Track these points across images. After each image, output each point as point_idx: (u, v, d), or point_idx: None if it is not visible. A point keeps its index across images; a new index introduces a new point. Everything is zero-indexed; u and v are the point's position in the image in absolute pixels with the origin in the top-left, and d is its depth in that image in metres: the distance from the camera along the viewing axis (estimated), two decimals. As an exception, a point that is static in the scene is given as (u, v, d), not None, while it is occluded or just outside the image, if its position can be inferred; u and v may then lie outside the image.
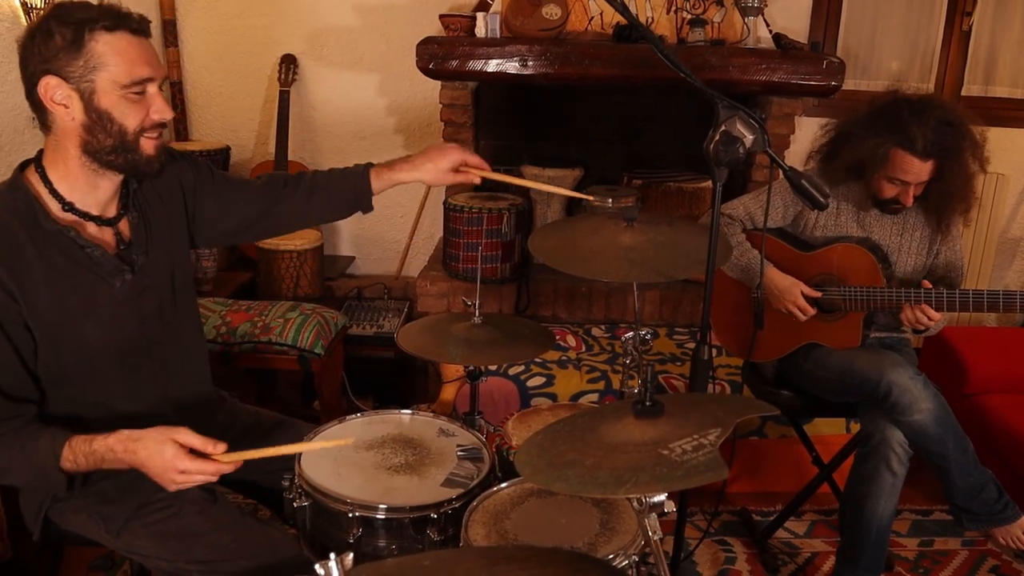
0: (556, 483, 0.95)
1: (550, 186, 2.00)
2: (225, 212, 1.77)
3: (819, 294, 2.26)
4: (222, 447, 1.38)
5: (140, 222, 1.61)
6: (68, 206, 1.49)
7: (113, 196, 1.56)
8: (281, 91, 3.68)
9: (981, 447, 2.53)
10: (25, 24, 2.78)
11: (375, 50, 3.76)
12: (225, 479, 1.80)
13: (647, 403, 1.04)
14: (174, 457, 1.35)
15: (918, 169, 2.11)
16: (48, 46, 1.38)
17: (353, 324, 3.34)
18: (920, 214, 2.31)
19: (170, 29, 3.65)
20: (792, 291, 2.26)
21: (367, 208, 1.80)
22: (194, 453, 1.37)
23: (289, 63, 3.70)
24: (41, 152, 1.50)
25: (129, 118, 1.43)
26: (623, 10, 1.48)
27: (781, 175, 1.67)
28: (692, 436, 0.96)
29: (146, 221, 1.63)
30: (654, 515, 1.00)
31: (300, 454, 1.65)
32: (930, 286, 2.15)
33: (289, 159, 3.72)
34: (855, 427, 2.69)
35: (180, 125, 3.81)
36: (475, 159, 1.79)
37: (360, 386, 3.30)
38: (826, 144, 2.34)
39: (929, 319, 2.15)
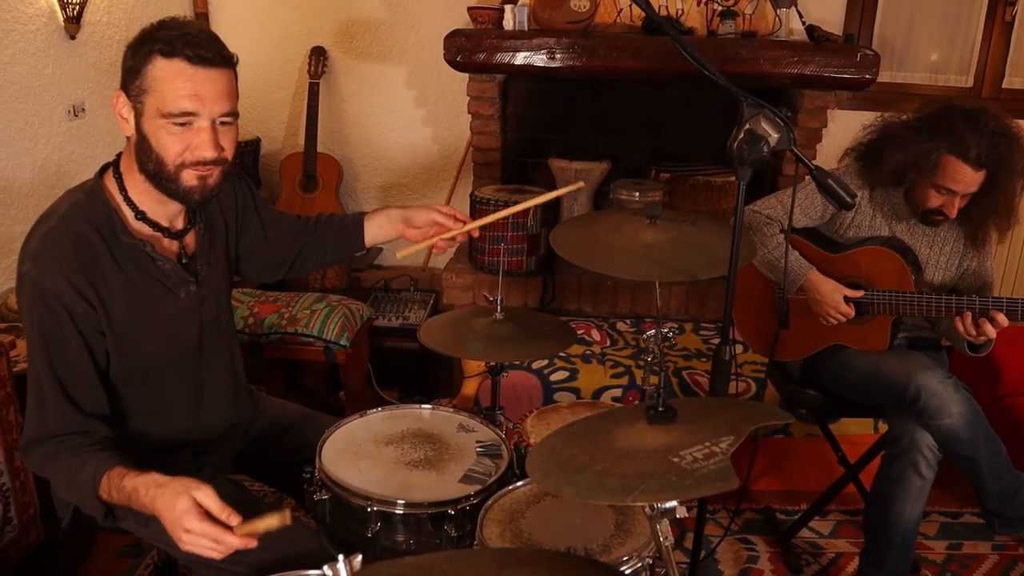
0: (565, 488, 0.95)
1: (527, 203, 1.90)
2: (272, 239, 1.81)
3: (860, 293, 2.19)
4: (236, 519, 1.26)
5: (204, 234, 1.63)
6: (141, 215, 1.49)
7: (180, 211, 1.56)
8: (311, 83, 3.70)
9: (1013, 449, 2.48)
10: (62, 20, 2.83)
11: (404, 42, 3.77)
12: (249, 469, 1.86)
13: (660, 408, 1.03)
14: (184, 514, 1.25)
15: (970, 179, 2.03)
16: (127, 62, 1.40)
17: (379, 316, 3.36)
18: (955, 227, 2.23)
19: (202, 21, 3.69)
20: (834, 296, 2.18)
21: (360, 249, 1.88)
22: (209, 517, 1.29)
23: (319, 55, 3.72)
24: (119, 156, 1.52)
25: (165, 149, 1.39)
26: (645, 5, 1.47)
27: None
28: (704, 443, 0.95)
29: (211, 235, 1.66)
30: (666, 520, 0.99)
31: (322, 446, 1.66)
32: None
33: (318, 151, 3.75)
34: (883, 426, 2.65)
35: (212, 117, 3.84)
36: (448, 213, 1.79)
37: (385, 377, 3.33)
38: (868, 144, 2.24)
39: (995, 326, 2.03)
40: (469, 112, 3.45)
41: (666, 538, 1.00)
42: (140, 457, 1.44)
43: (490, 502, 1.46)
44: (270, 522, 1.25)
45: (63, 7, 2.82)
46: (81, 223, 1.44)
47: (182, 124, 1.37)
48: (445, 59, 3.16)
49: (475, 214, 3.33)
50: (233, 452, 1.78)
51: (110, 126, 3.10)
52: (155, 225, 1.52)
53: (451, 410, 1.85)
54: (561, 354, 2.93)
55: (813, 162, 1.67)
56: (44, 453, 1.44)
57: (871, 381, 2.20)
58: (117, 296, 1.46)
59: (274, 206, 3.78)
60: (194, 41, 1.36)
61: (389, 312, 3.42)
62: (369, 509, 1.52)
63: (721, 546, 2.54)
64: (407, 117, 3.88)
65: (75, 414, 1.43)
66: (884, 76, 3.58)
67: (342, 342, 2.80)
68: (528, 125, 3.72)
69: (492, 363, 1.98)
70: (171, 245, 1.57)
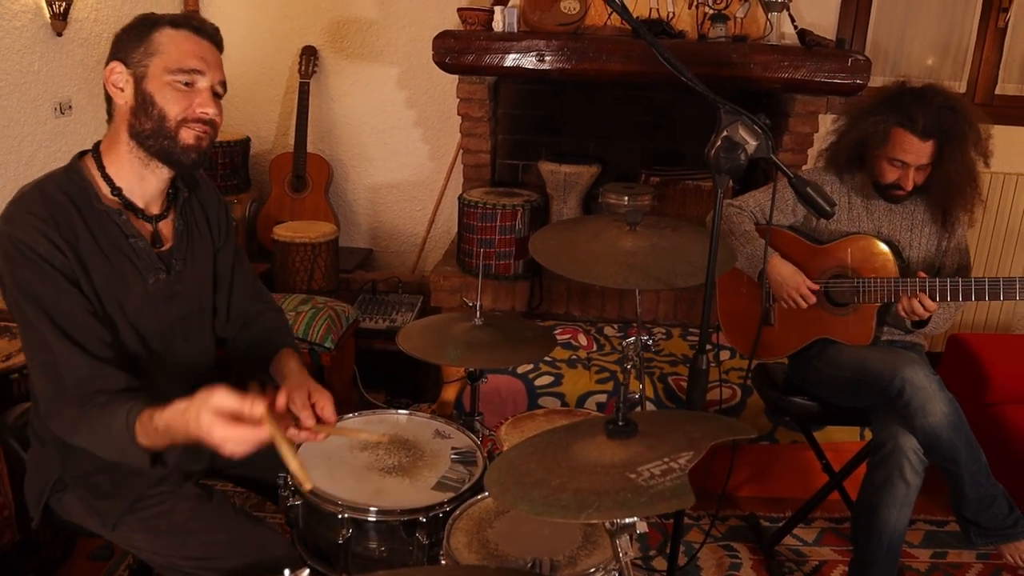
0: (520, 504, 0.93)
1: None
2: (227, 279, 1.77)
3: (817, 287, 2.25)
4: (260, 408, 1.29)
5: (184, 231, 1.63)
6: (116, 191, 1.52)
7: (159, 194, 1.58)
8: (301, 83, 3.68)
9: (1000, 458, 2.47)
10: (48, 16, 2.82)
11: (395, 43, 3.76)
12: (225, 473, 1.84)
13: (620, 423, 1.02)
14: (211, 426, 1.27)
15: (918, 149, 2.12)
16: (123, 39, 1.49)
17: (366, 318, 3.35)
18: (927, 210, 2.29)
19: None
20: (795, 278, 2.25)
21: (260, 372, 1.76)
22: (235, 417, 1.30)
23: (310, 55, 3.70)
24: (99, 143, 1.55)
25: (171, 104, 1.46)
26: (622, 10, 1.45)
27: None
28: (663, 459, 0.93)
29: (190, 233, 1.65)
30: (626, 536, 0.98)
31: (296, 449, 1.65)
32: (924, 275, 2.13)
33: (308, 151, 3.73)
34: (869, 434, 2.64)
35: (202, 115, 3.83)
36: (307, 417, 1.54)
37: (372, 379, 3.31)
38: (834, 138, 2.35)
39: (925, 309, 2.12)
40: (459, 114, 3.43)
41: (626, 553, 0.98)
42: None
43: (458, 512, 1.45)
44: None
45: (49, 4, 2.81)
46: (54, 190, 1.47)
47: (187, 83, 1.47)
48: (434, 60, 3.15)
49: (463, 216, 3.31)
50: (206, 455, 1.75)
51: (97, 123, 3.08)
52: (129, 204, 1.53)
53: (428, 416, 1.84)
54: (547, 358, 2.92)
55: (793, 170, 1.66)
56: (68, 417, 1.41)
57: (857, 376, 2.20)
58: (95, 259, 1.47)
59: (263, 206, 3.78)
60: (197, 18, 1.54)
61: (376, 314, 3.40)
62: (340, 516, 1.50)
63: (704, 553, 2.53)
64: (398, 118, 3.86)
65: (87, 360, 1.41)
66: (877, 81, 3.56)
67: (327, 344, 2.78)
68: (519, 127, 3.71)
69: (471, 369, 1.97)
70: (143, 228, 1.56)
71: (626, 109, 3.63)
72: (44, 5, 2.81)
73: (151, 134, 1.48)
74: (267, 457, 1.73)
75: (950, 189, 2.19)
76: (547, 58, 3.11)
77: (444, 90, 3.71)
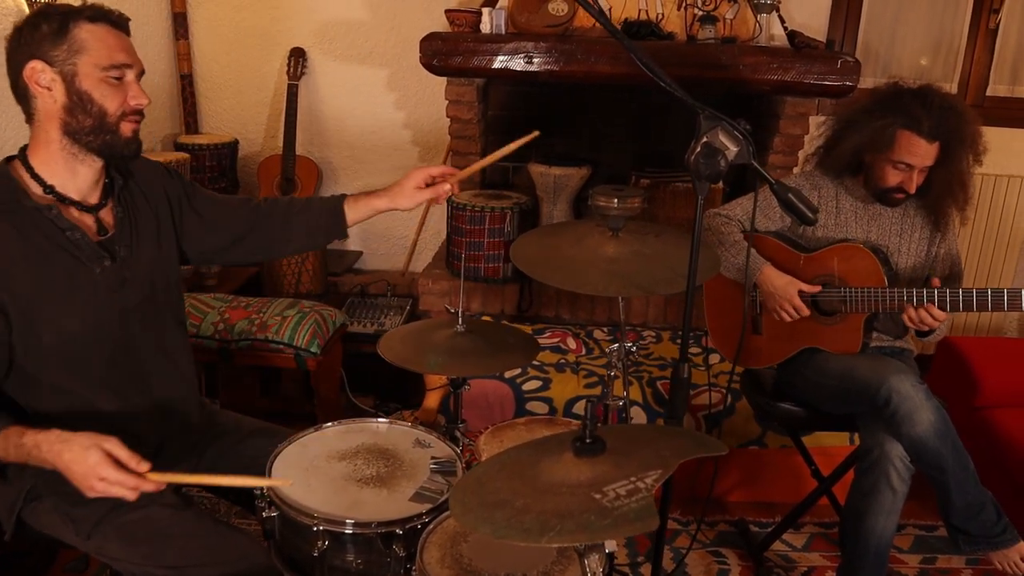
0: (482, 526, 0.91)
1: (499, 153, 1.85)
2: (212, 226, 1.81)
3: (818, 288, 2.22)
4: (146, 466, 1.36)
5: (125, 218, 1.64)
6: (49, 189, 1.53)
7: (94, 184, 1.59)
8: (290, 85, 3.67)
9: (989, 463, 2.46)
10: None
11: (385, 44, 3.74)
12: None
13: (587, 440, 1.00)
14: (97, 464, 1.33)
15: (924, 151, 2.09)
16: (34, 36, 1.47)
17: (354, 322, 3.33)
18: (919, 212, 2.27)
19: (180, 22, 3.65)
20: (788, 289, 2.22)
21: (342, 234, 1.86)
22: (119, 465, 1.36)
23: (298, 57, 3.68)
24: (25, 147, 1.56)
25: (108, 100, 1.50)
26: (598, 14, 1.43)
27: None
28: (630, 478, 0.91)
29: (131, 219, 1.66)
30: (595, 555, 0.96)
31: (272, 461, 1.63)
32: (938, 284, 2.09)
33: (297, 153, 3.71)
34: (859, 438, 2.63)
35: (190, 118, 3.81)
36: (438, 168, 1.79)
37: (362, 384, 3.29)
38: (825, 140, 2.31)
39: (934, 319, 2.09)
40: (448, 116, 3.41)
41: (595, 573, 0.96)
42: None
43: (432, 526, 1.43)
44: (187, 477, 1.41)
45: (30, 4, 2.78)
46: None
47: (118, 77, 1.51)
48: (421, 62, 3.13)
49: (452, 219, 3.29)
50: (183, 463, 1.74)
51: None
52: (65, 199, 1.55)
53: (408, 425, 1.82)
54: (535, 362, 2.90)
55: (776, 178, 1.64)
56: None
57: (844, 385, 2.18)
58: (20, 263, 1.48)
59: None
60: (109, 10, 1.53)
61: (364, 318, 3.38)
62: (316, 528, 1.48)
63: (692, 559, 2.51)
64: (387, 119, 3.84)
65: None
66: (867, 82, 3.54)
67: (312, 349, 2.76)
68: (509, 129, 3.68)
69: (453, 376, 1.95)
70: (84, 219, 1.58)
71: (616, 111, 3.61)
72: (25, 6, 2.78)
73: (91, 130, 1.50)
74: (247, 467, 1.74)
75: (949, 189, 2.17)
76: (535, 60, 3.09)
77: (433, 92, 3.69)
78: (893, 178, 2.16)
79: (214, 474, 1.47)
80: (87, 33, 1.48)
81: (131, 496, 1.35)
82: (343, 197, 1.83)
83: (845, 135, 2.22)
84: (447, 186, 1.77)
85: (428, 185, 1.77)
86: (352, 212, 1.82)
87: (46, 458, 1.37)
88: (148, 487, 1.36)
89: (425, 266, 3.55)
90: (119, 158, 1.58)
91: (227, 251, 1.85)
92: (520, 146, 1.81)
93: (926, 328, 2.13)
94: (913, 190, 2.16)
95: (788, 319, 2.23)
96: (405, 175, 1.78)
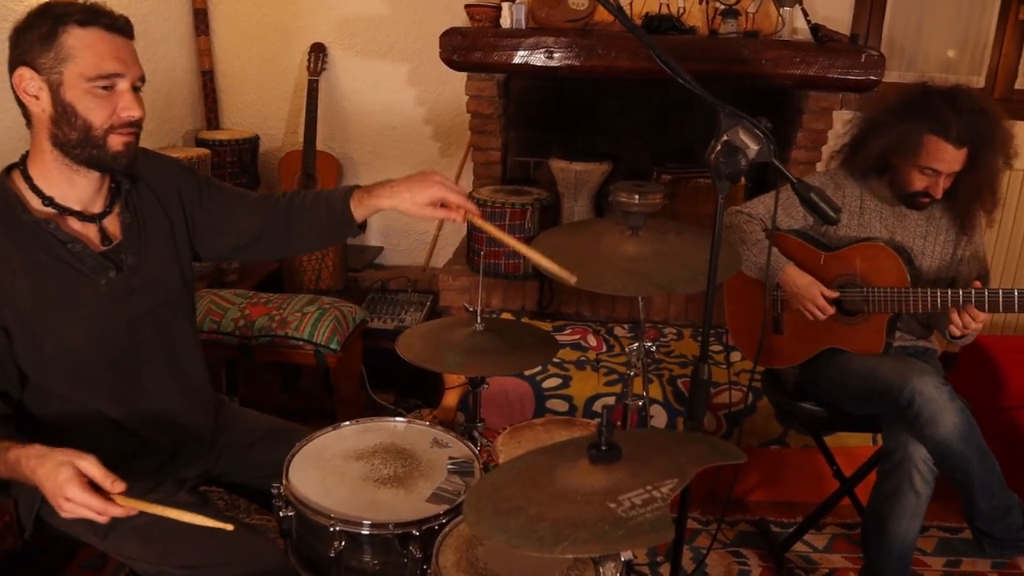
0: (496, 534, 0.90)
1: (532, 252, 1.55)
2: (226, 223, 1.73)
3: (836, 294, 2.19)
4: (120, 487, 1.29)
5: (133, 223, 1.59)
6: (48, 201, 1.48)
7: (96, 192, 1.54)
8: (310, 80, 3.67)
9: (1016, 463, 2.42)
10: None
11: (405, 39, 3.73)
12: (221, 481, 1.83)
13: (603, 448, 0.99)
14: (66, 482, 1.26)
15: (952, 157, 2.04)
16: (26, 39, 1.40)
17: (375, 318, 3.33)
18: (945, 215, 2.22)
19: (201, 18, 3.66)
20: (811, 290, 2.19)
21: (354, 233, 1.73)
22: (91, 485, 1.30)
23: (319, 52, 3.68)
24: (26, 153, 1.51)
25: (94, 113, 1.41)
26: (618, 11, 1.42)
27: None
28: (645, 487, 0.90)
29: (140, 223, 1.61)
30: (611, 564, 0.95)
31: (290, 461, 1.63)
32: (979, 286, 2.04)
33: (318, 148, 3.71)
34: (881, 438, 2.59)
35: (211, 114, 3.83)
36: (457, 197, 1.59)
37: (382, 380, 3.29)
38: (852, 140, 2.26)
39: (974, 320, 2.04)
40: (468, 111, 3.40)
41: (611, 581, 0.96)
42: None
43: (447, 528, 1.42)
44: (158, 508, 1.30)
45: (55, 5, 2.80)
46: None
47: (106, 88, 1.41)
48: (441, 58, 3.12)
49: (472, 215, 3.28)
50: (199, 462, 1.75)
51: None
52: (65, 209, 1.50)
53: (426, 424, 1.81)
54: (555, 359, 2.88)
55: (799, 174, 1.61)
56: None
57: (866, 386, 2.15)
58: (20, 278, 1.44)
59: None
60: (105, 11, 1.43)
61: (385, 314, 3.38)
62: (332, 528, 1.48)
63: (712, 559, 2.49)
64: (408, 115, 3.83)
65: None
66: (893, 76, 3.50)
67: (332, 345, 2.77)
68: (530, 124, 3.67)
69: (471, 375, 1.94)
70: (86, 230, 1.53)
71: (638, 106, 3.58)
72: None
73: (77, 143, 1.43)
74: (263, 467, 1.74)
75: (978, 193, 2.12)
76: (556, 55, 3.07)
77: (454, 87, 3.67)
78: (919, 183, 2.11)
79: (186, 510, 1.33)
80: (75, 39, 1.38)
81: (100, 519, 1.29)
82: (351, 192, 1.68)
83: (871, 136, 2.17)
84: (457, 217, 1.60)
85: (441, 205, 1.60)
86: (357, 210, 1.67)
87: (25, 473, 1.32)
88: (116, 512, 1.29)
89: (446, 262, 3.55)
90: (109, 171, 1.50)
91: (240, 250, 1.78)
92: (548, 269, 1.53)
93: (968, 331, 2.08)
94: (940, 195, 2.11)
95: (813, 319, 2.20)
96: (422, 176, 1.61)
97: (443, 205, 1.60)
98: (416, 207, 1.60)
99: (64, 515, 1.28)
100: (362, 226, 1.71)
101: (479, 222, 1.60)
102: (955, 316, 2.05)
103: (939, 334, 2.24)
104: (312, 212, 1.71)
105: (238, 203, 1.75)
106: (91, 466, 1.28)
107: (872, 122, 2.19)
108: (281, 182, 3.75)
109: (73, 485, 1.26)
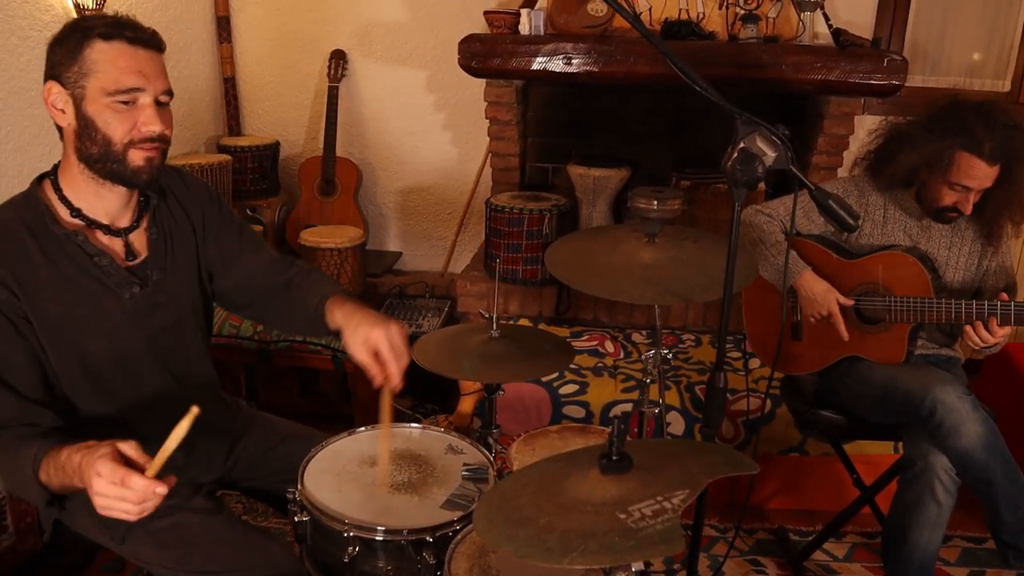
0: (505, 543, 0.90)
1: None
2: (227, 268, 1.72)
3: (851, 302, 2.17)
4: (154, 469, 1.24)
5: (160, 239, 1.60)
6: (76, 212, 1.49)
7: (124, 206, 1.55)
8: (330, 87, 3.69)
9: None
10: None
11: (424, 46, 3.74)
12: (238, 485, 1.84)
13: (614, 457, 0.98)
14: (100, 457, 1.22)
15: (984, 174, 2.00)
16: (57, 53, 1.41)
17: (393, 323, 3.33)
18: (971, 226, 2.19)
19: (224, 25, 3.70)
20: (827, 297, 2.17)
21: (328, 335, 1.68)
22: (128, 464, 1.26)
23: (339, 59, 3.71)
24: (58, 164, 1.53)
25: (113, 128, 1.41)
26: (634, 18, 1.41)
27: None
28: (656, 498, 0.89)
29: (168, 239, 1.62)
30: (621, 574, 0.94)
31: (305, 466, 1.64)
32: (1007, 298, 2.01)
33: (338, 154, 3.74)
34: (902, 447, 2.56)
35: (233, 120, 3.87)
36: (387, 356, 1.51)
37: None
38: (877, 150, 2.23)
39: (993, 336, 2.02)
40: (487, 117, 3.41)
41: (622, 592, 0.95)
42: None
43: (460, 536, 1.42)
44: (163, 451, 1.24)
45: (79, 12, 2.84)
46: (11, 217, 1.45)
47: (127, 102, 1.40)
48: (460, 64, 3.13)
49: (490, 221, 3.29)
50: (216, 467, 1.76)
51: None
52: (93, 222, 1.50)
53: (442, 430, 1.81)
54: (572, 366, 2.88)
55: (821, 179, 1.60)
56: None
57: (887, 395, 2.13)
58: (47, 288, 1.44)
59: (292, 210, 3.79)
60: (131, 25, 1.42)
61: (403, 319, 3.39)
62: (346, 534, 1.49)
63: (730, 567, 2.47)
64: (427, 121, 3.85)
65: (14, 400, 1.41)
66: (916, 80, 3.47)
67: (350, 351, 2.77)
68: (549, 130, 3.67)
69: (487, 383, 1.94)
70: (113, 244, 1.54)
71: (656, 111, 3.57)
72: (75, 14, 2.84)
73: (99, 158, 1.43)
74: (279, 472, 1.75)
75: (1007, 207, 2.09)
76: (574, 61, 3.07)
77: (473, 93, 3.68)
78: (948, 198, 2.08)
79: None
80: (98, 53, 1.38)
81: (130, 511, 1.22)
82: (325, 300, 1.65)
83: (900, 150, 2.12)
84: (376, 376, 1.54)
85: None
86: (330, 320, 1.63)
87: (68, 478, 1.30)
88: (136, 481, 1.20)
89: (464, 268, 3.56)
90: (132, 186, 1.49)
91: (228, 297, 1.75)
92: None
93: (986, 346, 2.06)
94: (969, 211, 2.07)
95: (825, 324, 2.18)
96: (382, 320, 1.55)
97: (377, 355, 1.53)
98: (352, 344, 1.56)
99: (94, 490, 1.22)
100: (336, 333, 1.63)
101: (386, 397, 1.56)
102: (970, 331, 2.03)
103: (963, 342, 2.21)
104: (302, 305, 1.70)
105: (249, 249, 1.73)
106: (130, 448, 1.26)
107: (901, 135, 2.14)
108: (301, 188, 3.78)
109: (106, 460, 1.22)
